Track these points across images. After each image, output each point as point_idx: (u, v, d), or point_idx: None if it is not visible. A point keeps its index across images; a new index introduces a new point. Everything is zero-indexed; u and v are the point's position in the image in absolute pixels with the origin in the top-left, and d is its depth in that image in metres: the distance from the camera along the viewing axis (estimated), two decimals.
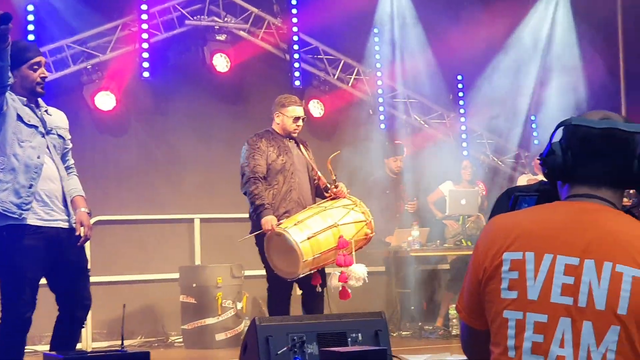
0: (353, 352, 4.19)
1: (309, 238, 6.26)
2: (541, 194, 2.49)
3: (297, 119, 6.79)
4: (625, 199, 2.43)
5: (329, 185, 6.75)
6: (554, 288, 2.18)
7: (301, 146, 6.88)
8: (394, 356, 5.00)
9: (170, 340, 9.24)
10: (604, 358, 2.11)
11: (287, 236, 6.23)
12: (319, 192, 6.91)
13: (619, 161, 2.29)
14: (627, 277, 2.13)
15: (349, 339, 4.90)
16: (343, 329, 4.97)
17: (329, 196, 6.74)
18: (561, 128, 2.36)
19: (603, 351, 2.12)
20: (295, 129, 6.80)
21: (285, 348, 4.74)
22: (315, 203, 6.79)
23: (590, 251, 2.18)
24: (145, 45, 9.74)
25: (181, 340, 8.96)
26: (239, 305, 8.77)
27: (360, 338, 4.93)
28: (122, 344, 4.97)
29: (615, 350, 2.11)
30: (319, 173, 6.85)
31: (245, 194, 6.64)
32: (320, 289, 6.56)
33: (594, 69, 11.41)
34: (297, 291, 6.87)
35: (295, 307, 6.95)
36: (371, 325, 5.08)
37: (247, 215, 6.82)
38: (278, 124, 6.81)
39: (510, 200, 2.54)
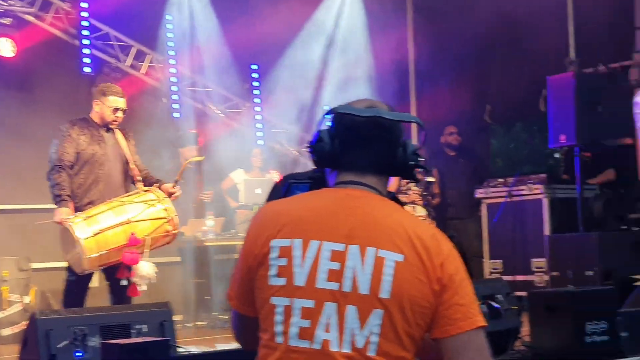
0: (134, 344, 4.12)
1: (95, 234, 6.07)
2: (314, 181, 2.52)
3: (116, 110, 6.57)
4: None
5: (139, 178, 6.58)
6: (320, 274, 2.19)
7: (120, 136, 6.67)
8: (178, 347, 4.97)
9: None
10: (368, 341, 2.14)
11: (71, 231, 6.06)
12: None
13: (383, 149, 2.34)
14: (390, 262, 2.17)
15: (133, 331, 4.83)
16: (127, 321, 4.89)
17: (140, 185, 6.55)
18: (328, 116, 2.39)
19: (367, 334, 2.15)
20: (114, 120, 6.58)
21: (66, 342, 4.60)
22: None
23: (354, 237, 2.21)
24: None
25: None
26: (27, 299, 8.53)
27: (145, 329, 4.87)
28: None
29: (379, 333, 2.14)
30: (132, 165, 6.64)
31: (49, 180, 6.40)
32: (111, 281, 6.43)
33: (384, 52, 11.69)
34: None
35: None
36: (157, 316, 5.03)
37: (37, 206, 6.59)
38: (97, 112, 6.58)
39: (284, 187, 2.56)
